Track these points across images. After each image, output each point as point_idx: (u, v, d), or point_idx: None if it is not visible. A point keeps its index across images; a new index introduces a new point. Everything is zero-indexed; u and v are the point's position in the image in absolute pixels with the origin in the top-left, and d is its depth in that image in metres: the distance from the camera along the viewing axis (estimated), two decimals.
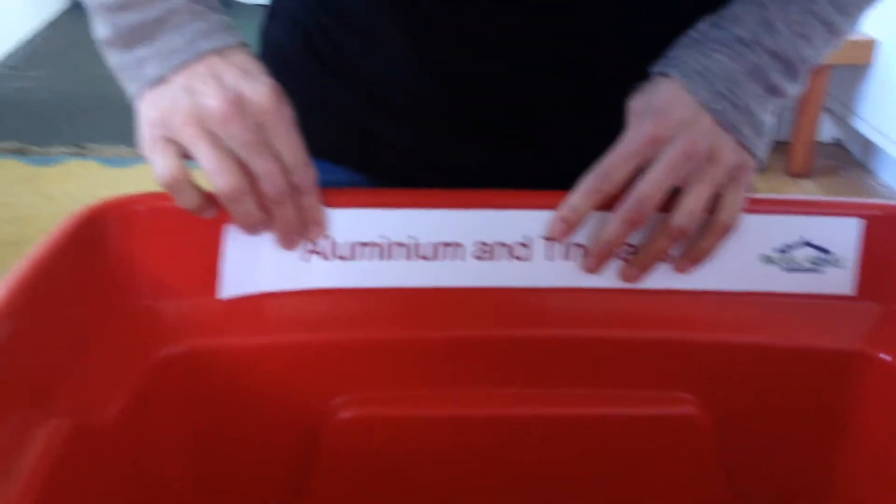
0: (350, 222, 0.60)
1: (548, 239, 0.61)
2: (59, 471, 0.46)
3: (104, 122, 2.90)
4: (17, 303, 0.50)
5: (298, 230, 0.59)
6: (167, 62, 0.56)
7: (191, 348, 0.58)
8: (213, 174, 0.55)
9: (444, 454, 0.62)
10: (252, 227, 0.58)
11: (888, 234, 0.62)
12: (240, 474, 0.62)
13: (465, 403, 0.61)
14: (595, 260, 0.61)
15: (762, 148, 0.60)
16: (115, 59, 0.58)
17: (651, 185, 0.57)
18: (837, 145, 3.05)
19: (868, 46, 2.68)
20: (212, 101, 0.54)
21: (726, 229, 0.60)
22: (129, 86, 0.58)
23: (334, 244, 0.60)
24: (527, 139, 0.68)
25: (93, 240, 0.57)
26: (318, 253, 0.60)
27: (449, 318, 0.61)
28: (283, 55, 0.72)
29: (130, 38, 0.56)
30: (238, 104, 0.54)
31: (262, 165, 0.55)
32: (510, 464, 0.63)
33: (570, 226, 0.59)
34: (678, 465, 0.63)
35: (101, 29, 0.58)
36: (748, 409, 0.63)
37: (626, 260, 0.61)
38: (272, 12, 0.75)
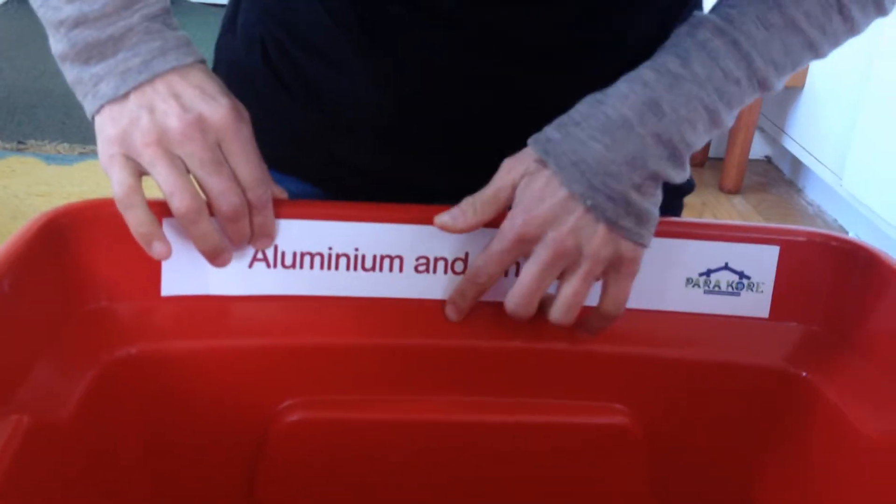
0: (297, 233, 0.61)
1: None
2: (17, 465, 0.46)
3: (46, 118, 2.84)
4: None
5: (247, 242, 0.60)
6: (123, 82, 0.56)
7: (142, 350, 0.59)
8: (170, 195, 0.56)
9: (387, 457, 0.63)
10: (210, 252, 0.58)
11: (804, 260, 0.65)
12: (191, 474, 0.62)
13: (408, 409, 0.62)
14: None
15: (648, 234, 0.58)
16: (70, 74, 0.58)
17: (524, 292, 0.58)
18: (768, 163, 3.12)
19: (802, 70, 2.75)
20: (172, 120, 0.55)
21: (611, 318, 0.60)
22: (86, 101, 0.58)
23: (279, 253, 0.61)
24: (480, 162, 0.69)
25: (52, 244, 0.58)
26: (262, 260, 0.61)
27: (392, 327, 0.62)
28: (241, 70, 0.72)
29: (86, 54, 0.56)
30: (198, 124, 0.55)
31: (218, 184, 0.56)
32: (450, 468, 0.64)
33: (460, 311, 0.62)
34: (610, 471, 0.65)
35: (56, 44, 0.57)
36: (676, 420, 0.65)
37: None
38: (229, 27, 0.75)
